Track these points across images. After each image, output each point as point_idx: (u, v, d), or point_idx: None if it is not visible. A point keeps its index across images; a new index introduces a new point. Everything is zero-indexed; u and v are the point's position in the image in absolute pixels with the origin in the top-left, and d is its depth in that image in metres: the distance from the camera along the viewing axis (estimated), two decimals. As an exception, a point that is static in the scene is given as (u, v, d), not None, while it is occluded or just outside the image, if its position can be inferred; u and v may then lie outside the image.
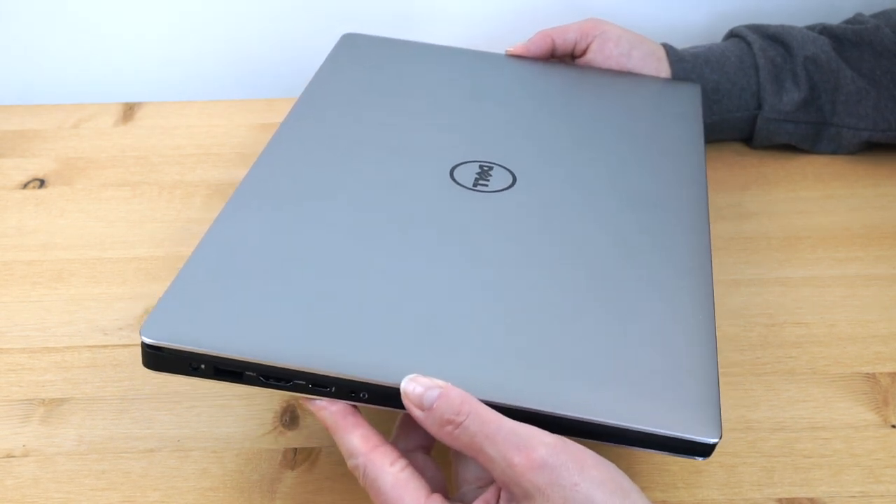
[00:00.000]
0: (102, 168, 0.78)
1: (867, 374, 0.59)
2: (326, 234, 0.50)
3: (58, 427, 0.55)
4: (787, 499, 0.51)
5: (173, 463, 0.53)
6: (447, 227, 0.52)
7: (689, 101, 0.69)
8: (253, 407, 0.57)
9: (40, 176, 0.77)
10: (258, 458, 0.53)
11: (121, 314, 0.63)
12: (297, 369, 0.43)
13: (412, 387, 0.42)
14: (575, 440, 0.41)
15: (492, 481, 0.43)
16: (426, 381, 0.42)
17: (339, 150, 0.58)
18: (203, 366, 0.43)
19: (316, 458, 0.54)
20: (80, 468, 0.53)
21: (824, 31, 0.77)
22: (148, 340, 0.43)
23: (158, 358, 0.43)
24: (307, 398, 0.44)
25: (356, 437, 0.43)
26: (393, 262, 0.49)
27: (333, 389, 0.43)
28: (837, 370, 0.59)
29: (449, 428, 0.41)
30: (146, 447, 0.54)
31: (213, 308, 0.45)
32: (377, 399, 0.43)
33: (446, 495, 0.42)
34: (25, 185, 0.76)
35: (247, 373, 0.43)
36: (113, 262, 0.68)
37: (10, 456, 0.54)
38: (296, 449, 0.54)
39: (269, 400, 0.57)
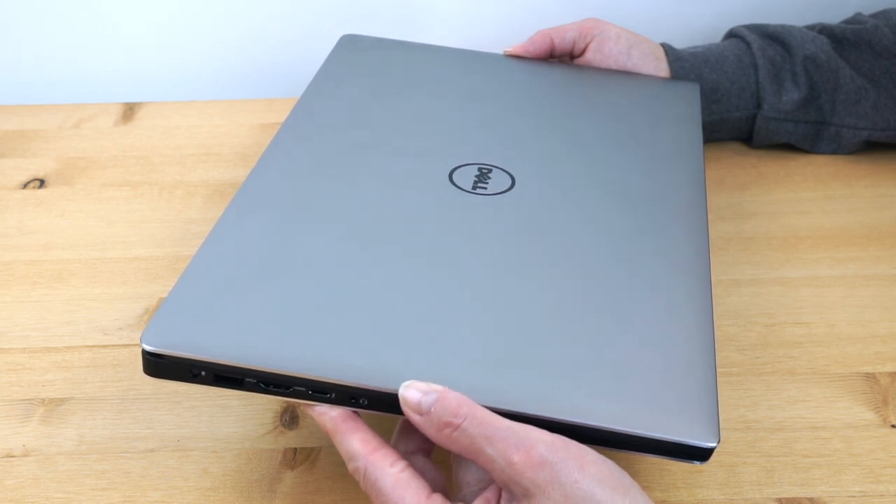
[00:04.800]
0: (103, 168, 0.78)
1: (867, 374, 0.59)
2: (325, 240, 0.50)
3: (58, 427, 0.55)
4: (786, 499, 0.52)
5: (173, 463, 0.53)
6: (446, 230, 0.52)
7: (687, 100, 0.69)
8: (253, 407, 0.57)
9: (40, 176, 0.77)
10: (258, 458, 0.54)
11: (121, 314, 0.63)
12: (297, 376, 0.43)
13: (410, 392, 0.42)
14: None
15: (492, 483, 0.43)
16: (423, 385, 0.42)
17: (338, 154, 0.58)
18: (203, 373, 0.44)
19: (316, 458, 0.54)
20: (80, 468, 0.53)
21: (823, 30, 0.77)
22: (148, 348, 0.43)
23: (159, 365, 0.44)
24: (307, 404, 0.44)
25: (356, 440, 0.43)
26: (392, 266, 0.49)
27: (333, 395, 0.43)
28: (837, 370, 0.59)
29: (447, 431, 0.41)
30: (146, 447, 0.54)
31: (213, 315, 0.45)
32: (376, 405, 0.43)
33: (447, 496, 0.43)
34: (25, 185, 0.76)
35: (247, 380, 0.44)
36: (113, 262, 0.68)
37: (10, 456, 0.54)
38: (296, 449, 0.54)
39: (270, 400, 0.57)
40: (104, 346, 0.61)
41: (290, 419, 0.56)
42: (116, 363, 0.59)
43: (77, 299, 0.64)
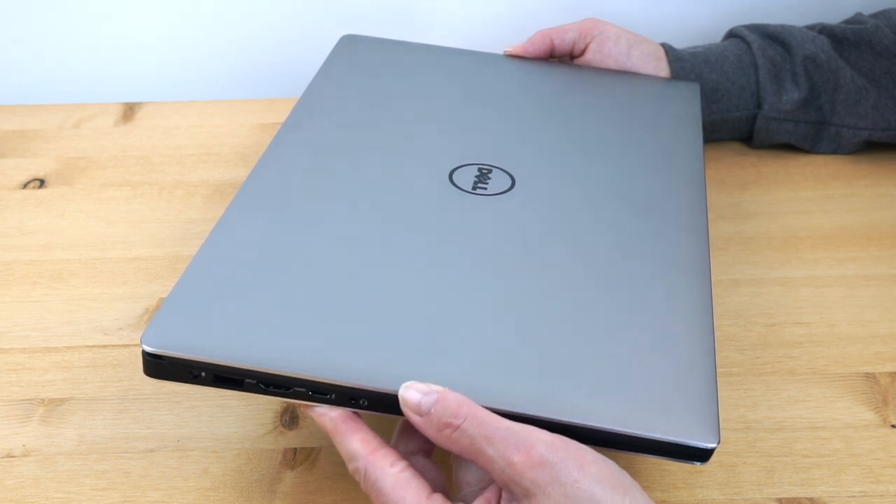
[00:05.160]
0: (103, 168, 0.78)
1: (867, 373, 0.59)
2: (325, 241, 0.50)
3: (58, 427, 0.55)
4: (786, 499, 0.51)
5: (173, 463, 0.53)
6: (446, 231, 0.52)
7: (687, 100, 0.69)
8: (253, 407, 0.57)
9: (40, 176, 0.77)
10: (258, 458, 0.54)
11: (121, 314, 0.63)
12: (297, 377, 0.43)
13: (409, 393, 0.42)
14: None
15: (492, 483, 0.43)
16: (423, 386, 0.42)
17: (338, 155, 0.58)
18: (203, 374, 0.44)
19: (316, 459, 0.54)
20: (80, 468, 0.53)
21: (824, 30, 0.77)
22: (149, 349, 0.43)
23: (159, 366, 0.44)
24: (307, 405, 0.44)
25: (356, 440, 0.43)
26: (392, 267, 0.49)
27: (333, 396, 0.43)
28: (837, 370, 0.59)
29: (447, 431, 0.41)
30: (146, 447, 0.54)
31: (213, 316, 0.45)
32: (377, 406, 0.43)
33: (448, 496, 0.43)
34: (25, 185, 0.76)
35: (247, 380, 0.44)
36: (113, 262, 0.68)
37: (10, 456, 0.54)
38: (296, 449, 0.54)
39: (270, 400, 0.57)
40: (104, 346, 0.61)
41: (290, 419, 0.56)
42: (116, 363, 0.59)
43: (77, 299, 0.64)
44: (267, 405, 0.57)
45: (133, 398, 0.57)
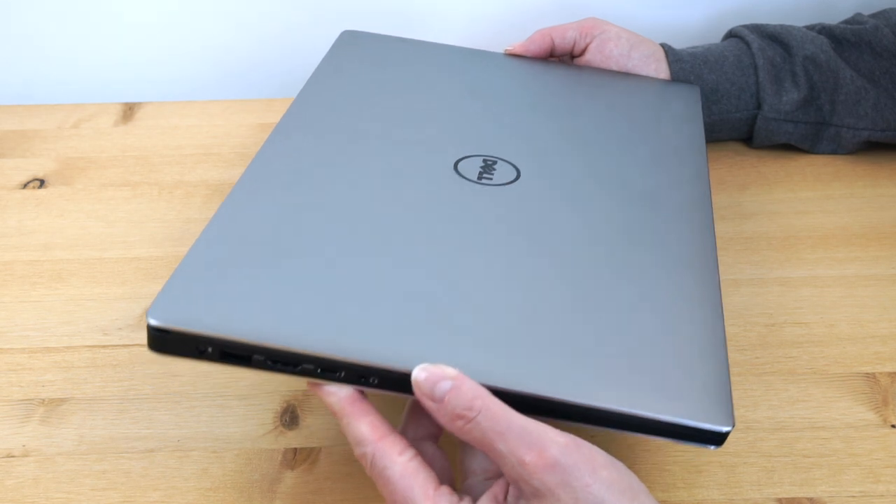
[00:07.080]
0: (102, 168, 0.78)
1: (867, 373, 0.59)
2: (333, 220, 0.50)
3: (58, 427, 0.55)
4: (786, 498, 0.51)
5: (173, 463, 0.53)
6: (454, 217, 0.52)
7: (689, 102, 0.69)
8: (253, 407, 0.57)
9: (40, 176, 0.77)
10: (258, 459, 0.54)
11: (121, 314, 0.63)
12: (306, 353, 0.42)
13: (423, 376, 0.41)
14: (586, 433, 0.41)
15: (498, 473, 0.43)
16: (437, 371, 0.41)
17: (344, 139, 0.57)
18: (210, 349, 0.42)
19: (316, 459, 0.54)
20: (79, 468, 0.53)
21: (823, 30, 0.77)
22: (154, 323, 0.42)
23: (164, 341, 0.42)
24: (315, 383, 0.43)
25: (365, 424, 0.42)
26: (400, 249, 0.48)
27: (343, 374, 0.43)
28: (837, 370, 0.59)
29: (460, 423, 0.40)
30: (146, 447, 0.54)
31: (221, 291, 0.44)
32: (387, 384, 0.43)
33: (453, 486, 0.42)
34: (25, 185, 0.76)
35: (255, 356, 0.42)
36: (113, 262, 0.68)
37: (10, 456, 0.54)
38: (296, 449, 0.54)
39: (270, 400, 0.57)
40: (104, 347, 0.61)
41: (290, 419, 0.56)
42: (116, 363, 0.59)
43: (76, 299, 0.64)
44: (267, 405, 0.57)
45: (133, 398, 0.57)
